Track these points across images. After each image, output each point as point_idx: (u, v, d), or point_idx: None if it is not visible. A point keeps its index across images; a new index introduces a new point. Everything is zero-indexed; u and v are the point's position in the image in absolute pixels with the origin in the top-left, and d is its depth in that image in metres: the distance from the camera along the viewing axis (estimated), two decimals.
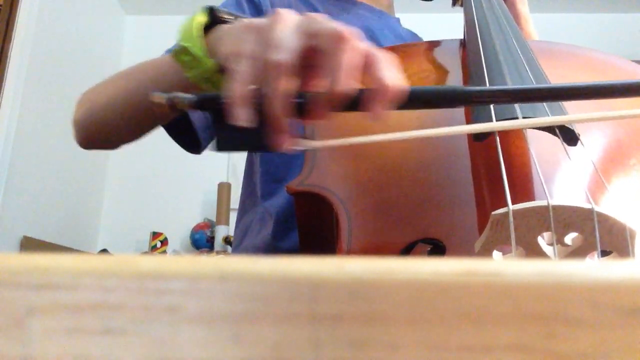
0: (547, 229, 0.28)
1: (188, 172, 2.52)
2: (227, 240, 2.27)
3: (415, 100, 0.33)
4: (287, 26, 0.33)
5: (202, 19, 0.44)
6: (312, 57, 0.33)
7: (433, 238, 0.36)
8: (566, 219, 0.28)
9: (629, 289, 0.11)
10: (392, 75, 0.32)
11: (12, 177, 1.94)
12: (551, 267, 0.11)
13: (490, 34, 0.52)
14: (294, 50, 0.32)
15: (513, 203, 0.29)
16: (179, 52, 0.44)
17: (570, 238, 0.29)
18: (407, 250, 0.36)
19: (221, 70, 0.42)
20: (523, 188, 0.37)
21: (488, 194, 0.38)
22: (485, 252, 0.29)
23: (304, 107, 0.33)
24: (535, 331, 0.11)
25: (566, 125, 0.38)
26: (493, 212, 0.29)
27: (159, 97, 0.33)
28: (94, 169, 2.51)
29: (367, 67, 0.32)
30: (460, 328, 0.11)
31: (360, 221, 0.39)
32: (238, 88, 0.32)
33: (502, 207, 0.29)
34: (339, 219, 0.40)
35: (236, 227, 0.74)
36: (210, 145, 0.36)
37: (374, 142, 0.33)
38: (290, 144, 0.33)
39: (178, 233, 2.48)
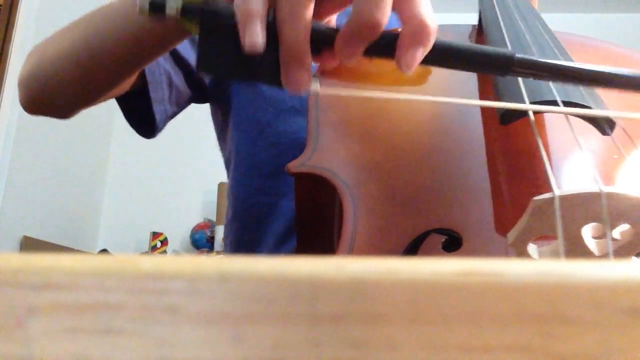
0: (595, 220, 0.25)
1: (188, 172, 2.52)
2: None
3: (457, 57, 0.29)
4: None
5: None
6: None
7: (448, 228, 0.34)
8: (619, 208, 0.24)
9: (629, 289, 0.11)
10: (430, 14, 0.26)
11: (12, 177, 1.94)
12: (551, 267, 0.11)
13: (511, 16, 0.48)
14: None
15: (535, 194, 0.26)
16: None
17: (619, 231, 0.26)
18: (418, 241, 0.34)
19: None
20: (540, 179, 0.35)
21: (508, 185, 0.36)
22: (520, 243, 0.26)
23: (325, 43, 0.27)
24: (535, 331, 0.11)
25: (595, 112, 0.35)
26: (535, 198, 0.25)
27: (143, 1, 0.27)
28: (94, 169, 2.51)
29: (400, 2, 0.27)
30: (460, 328, 0.11)
31: (366, 208, 0.37)
32: (252, 4, 0.26)
33: (523, 200, 0.27)
34: (343, 204, 0.37)
35: (224, 226, 0.74)
36: (195, 64, 0.28)
37: (393, 98, 0.30)
38: (306, 82, 0.27)
39: (178, 233, 2.48)
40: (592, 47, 0.54)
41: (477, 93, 0.44)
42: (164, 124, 0.63)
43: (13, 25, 2.04)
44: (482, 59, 0.29)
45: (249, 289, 0.11)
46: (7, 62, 1.99)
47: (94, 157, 2.50)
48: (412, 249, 0.34)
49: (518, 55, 0.28)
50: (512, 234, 0.27)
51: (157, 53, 0.47)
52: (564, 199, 0.25)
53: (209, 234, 2.38)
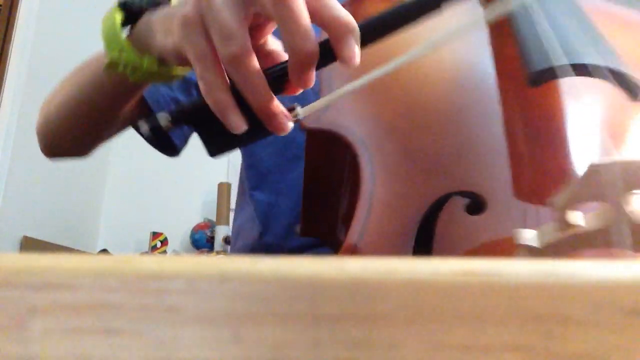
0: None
1: (188, 172, 2.52)
2: (227, 240, 2.27)
3: (390, 22, 0.30)
4: (218, 5, 0.29)
5: (118, 17, 0.40)
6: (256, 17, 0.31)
7: (471, 191, 0.33)
8: None
9: (629, 289, 0.11)
10: (338, 9, 0.30)
11: (12, 177, 1.94)
12: (551, 267, 0.11)
13: None
14: (242, 29, 0.29)
15: (559, 159, 0.26)
16: (112, 66, 0.39)
17: None
18: (440, 204, 0.33)
19: (162, 60, 0.38)
20: (564, 143, 0.34)
21: (528, 149, 0.35)
22: (566, 207, 0.26)
23: (282, 81, 0.30)
24: (535, 331, 0.11)
25: (629, 76, 0.35)
26: (592, 163, 0.25)
27: (143, 127, 0.32)
28: (94, 169, 2.51)
29: (314, 13, 0.30)
30: (460, 328, 0.11)
31: (384, 169, 0.36)
32: (219, 98, 0.30)
33: (545, 163, 0.27)
34: (360, 166, 0.36)
35: (232, 228, 0.74)
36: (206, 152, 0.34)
37: (387, 73, 0.30)
38: (288, 122, 0.31)
39: (178, 233, 2.48)
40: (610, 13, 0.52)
41: (489, 55, 0.42)
42: (185, 144, 0.66)
43: (13, 25, 2.04)
44: (413, 9, 0.30)
45: (249, 289, 0.11)
46: (7, 62, 1.99)
47: (94, 157, 2.49)
48: (434, 212, 0.33)
49: None
50: (561, 198, 0.26)
51: (138, 91, 0.51)
52: (619, 165, 0.24)
53: (209, 234, 2.38)
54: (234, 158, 2.77)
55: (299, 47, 0.29)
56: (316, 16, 0.30)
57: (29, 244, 1.97)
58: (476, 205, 0.33)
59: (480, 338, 0.11)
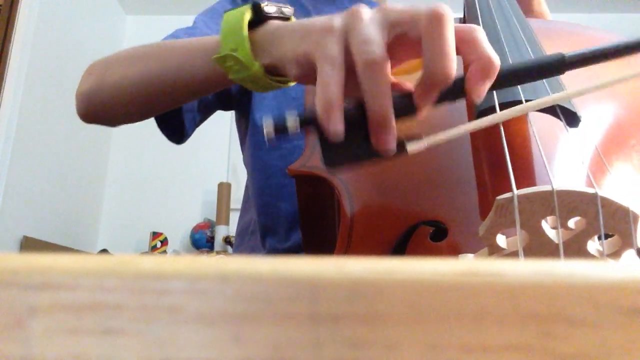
0: (551, 213, 0.28)
1: (188, 172, 2.52)
2: (227, 240, 2.27)
3: (516, 76, 0.32)
4: (366, 20, 0.31)
5: (247, 16, 0.39)
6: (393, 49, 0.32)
7: (435, 220, 0.36)
8: (570, 203, 0.28)
9: (629, 289, 0.11)
10: (492, 49, 0.31)
11: (12, 177, 1.94)
12: (551, 267, 0.11)
13: (490, 12, 0.52)
14: (382, 42, 0.30)
15: (515, 187, 0.29)
16: (221, 60, 0.40)
17: (573, 222, 0.29)
18: (410, 232, 0.36)
19: (269, 72, 0.39)
20: (524, 171, 0.37)
21: (490, 176, 0.38)
22: (490, 235, 0.29)
23: (405, 103, 0.31)
24: (535, 331, 0.11)
25: (567, 106, 0.37)
26: (497, 197, 0.28)
27: (267, 125, 0.31)
28: (93, 169, 2.51)
29: (466, 44, 0.31)
30: (460, 328, 0.11)
31: (362, 203, 0.40)
32: (331, 92, 0.30)
33: (504, 190, 0.29)
34: (341, 201, 0.40)
35: (238, 225, 0.75)
36: (320, 161, 0.34)
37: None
38: (394, 142, 0.31)
39: (178, 233, 2.48)
40: (573, 34, 0.55)
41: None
42: (193, 131, 0.66)
43: (13, 25, 2.04)
44: (538, 70, 0.32)
45: (249, 289, 0.11)
46: (7, 62, 1.99)
47: (94, 157, 2.50)
48: (404, 240, 0.36)
49: (567, 54, 0.31)
50: (482, 228, 0.29)
51: (219, 88, 0.50)
52: (522, 197, 0.28)
53: (209, 234, 2.38)
54: (234, 159, 2.76)
55: (438, 68, 0.29)
56: (467, 48, 0.31)
57: (29, 244, 1.97)
58: (439, 232, 0.36)
59: (480, 338, 0.11)
